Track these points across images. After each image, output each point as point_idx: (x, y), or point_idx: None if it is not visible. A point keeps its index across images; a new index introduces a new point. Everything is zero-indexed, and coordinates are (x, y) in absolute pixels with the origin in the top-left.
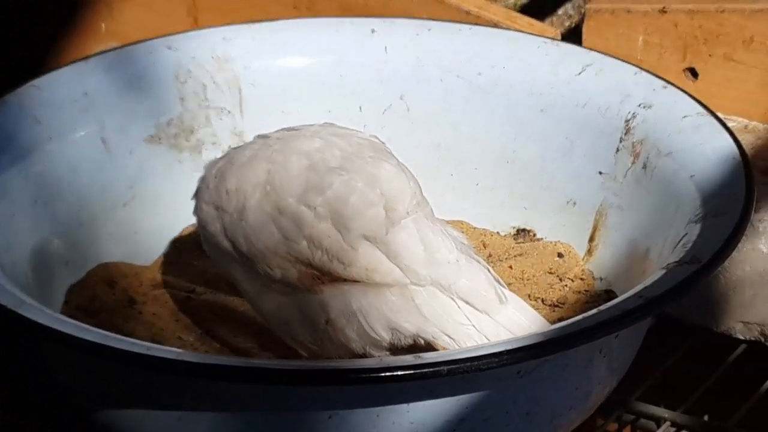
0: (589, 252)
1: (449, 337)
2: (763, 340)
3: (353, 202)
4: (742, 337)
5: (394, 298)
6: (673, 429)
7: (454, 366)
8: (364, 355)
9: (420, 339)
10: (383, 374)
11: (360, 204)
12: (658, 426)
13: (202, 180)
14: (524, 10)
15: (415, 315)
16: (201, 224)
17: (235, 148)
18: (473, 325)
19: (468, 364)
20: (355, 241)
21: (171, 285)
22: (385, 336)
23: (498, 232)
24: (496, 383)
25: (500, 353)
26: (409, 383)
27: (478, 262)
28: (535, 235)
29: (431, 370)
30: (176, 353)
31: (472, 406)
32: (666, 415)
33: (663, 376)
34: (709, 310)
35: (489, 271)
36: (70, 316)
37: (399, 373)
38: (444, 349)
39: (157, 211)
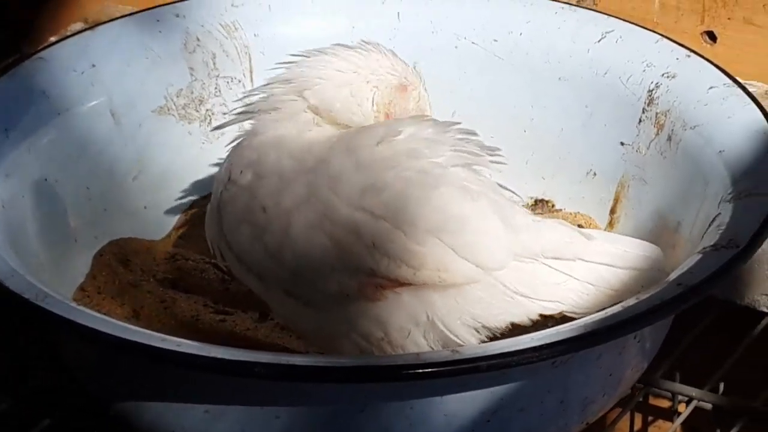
0: (611, 224)
1: (556, 302)
2: None
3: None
4: (766, 310)
5: (480, 293)
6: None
7: (492, 362)
8: None
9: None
10: (420, 371)
11: (419, 196)
12: (686, 405)
13: (228, 201)
14: None
15: (507, 300)
16: (233, 246)
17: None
18: (572, 277)
19: (507, 359)
20: (421, 237)
21: (185, 258)
22: (470, 338)
23: None
24: (531, 375)
25: (539, 347)
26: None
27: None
28: (554, 205)
29: (470, 365)
30: (205, 349)
31: (507, 397)
32: (693, 394)
33: (684, 352)
34: (732, 282)
35: (559, 221)
36: (91, 301)
37: (438, 369)
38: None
39: (166, 184)
